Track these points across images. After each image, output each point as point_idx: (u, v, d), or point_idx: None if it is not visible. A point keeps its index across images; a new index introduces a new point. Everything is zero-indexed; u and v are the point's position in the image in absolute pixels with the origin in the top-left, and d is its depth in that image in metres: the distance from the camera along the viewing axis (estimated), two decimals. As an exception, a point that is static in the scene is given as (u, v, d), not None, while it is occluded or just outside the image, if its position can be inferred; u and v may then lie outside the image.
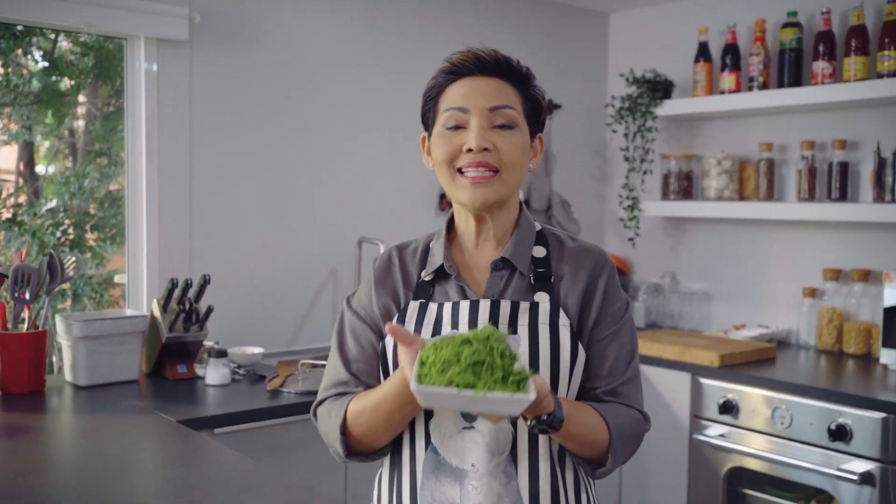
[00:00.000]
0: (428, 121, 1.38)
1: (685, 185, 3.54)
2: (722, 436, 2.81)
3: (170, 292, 2.57)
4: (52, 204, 2.84)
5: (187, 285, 2.57)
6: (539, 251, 1.38)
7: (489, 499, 1.27)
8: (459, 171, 1.31)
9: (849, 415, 2.50)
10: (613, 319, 1.35)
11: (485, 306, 1.32)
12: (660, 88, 3.52)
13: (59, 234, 2.82)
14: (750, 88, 3.27)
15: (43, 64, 2.85)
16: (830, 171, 3.11)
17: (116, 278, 2.89)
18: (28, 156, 2.86)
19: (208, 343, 2.71)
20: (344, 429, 1.32)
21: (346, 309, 1.43)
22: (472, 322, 1.31)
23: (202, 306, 2.62)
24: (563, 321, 1.32)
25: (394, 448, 1.38)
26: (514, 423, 1.29)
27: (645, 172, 3.59)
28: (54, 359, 2.69)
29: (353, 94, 3.14)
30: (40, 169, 2.90)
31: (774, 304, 3.38)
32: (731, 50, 3.33)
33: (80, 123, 2.96)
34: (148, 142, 2.73)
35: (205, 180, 2.84)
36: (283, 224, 3.01)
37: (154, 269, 2.75)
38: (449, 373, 1.09)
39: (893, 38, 2.88)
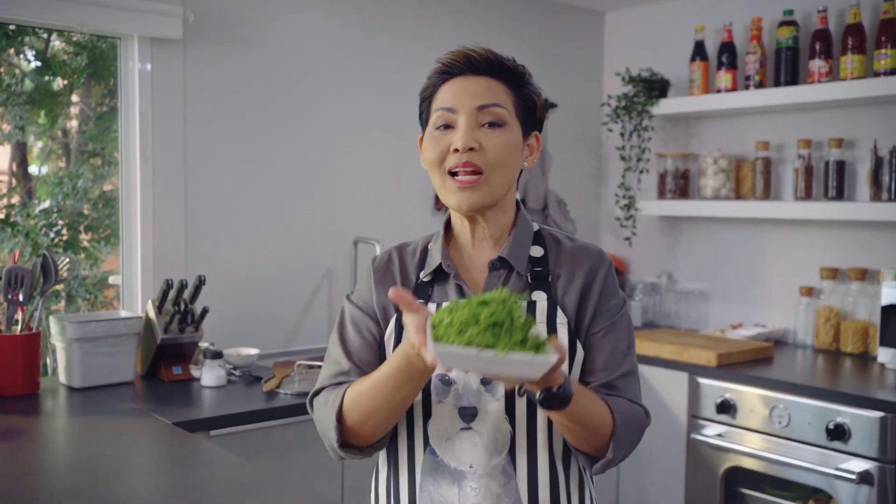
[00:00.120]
0: (423, 121, 1.38)
1: (682, 185, 3.53)
2: (719, 435, 2.81)
3: (165, 293, 2.56)
4: (46, 205, 2.82)
5: (182, 286, 2.55)
6: (536, 251, 1.38)
7: (488, 499, 1.27)
8: (450, 174, 1.31)
9: (847, 414, 2.50)
10: (609, 314, 1.34)
11: None
12: (656, 87, 3.52)
13: (52, 234, 2.80)
14: (746, 87, 3.27)
15: (35, 63, 2.83)
16: (827, 169, 3.10)
17: (111, 279, 2.88)
18: (21, 156, 2.84)
19: (204, 344, 2.70)
20: (340, 415, 1.29)
21: (346, 303, 1.42)
22: None
23: (197, 307, 2.61)
24: (561, 319, 1.31)
25: (391, 450, 1.37)
26: (511, 420, 1.28)
27: (641, 171, 3.58)
28: (48, 360, 2.68)
29: (348, 93, 3.13)
30: (33, 169, 2.88)
31: (771, 303, 3.37)
32: (728, 48, 3.33)
33: (73, 123, 2.94)
34: (142, 142, 2.71)
35: (200, 180, 2.82)
36: (278, 224, 2.99)
37: (149, 269, 2.74)
38: (468, 333, 1.06)
39: (890, 37, 2.88)
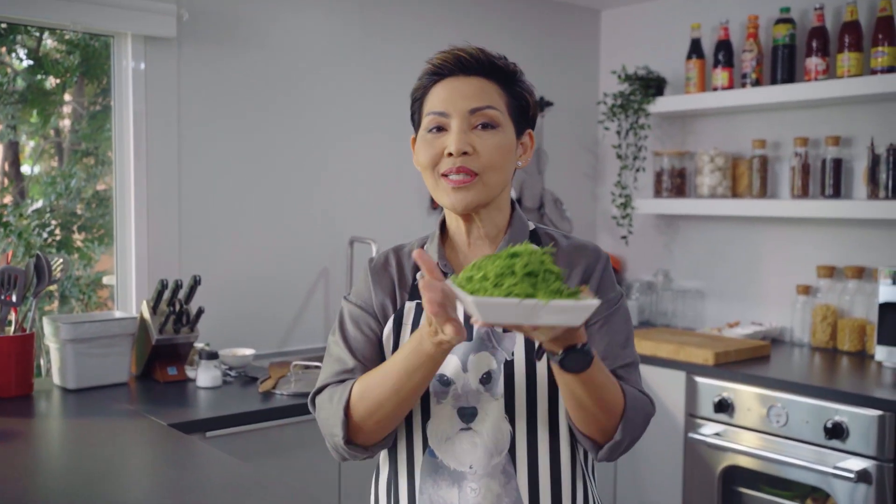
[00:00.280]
0: (415, 122, 1.38)
1: (678, 183, 3.52)
2: (717, 434, 2.80)
3: (159, 293, 2.54)
4: (39, 204, 2.80)
5: (177, 286, 2.54)
6: None
7: (488, 500, 1.26)
8: (443, 175, 1.30)
9: (845, 413, 2.50)
10: (607, 306, 1.33)
11: None
12: (652, 85, 3.51)
13: (45, 234, 2.78)
14: (743, 85, 3.26)
15: (28, 62, 2.81)
16: (824, 167, 3.10)
17: (105, 279, 2.86)
18: (13, 156, 2.82)
19: (199, 345, 2.69)
20: (347, 409, 1.27)
21: (344, 303, 1.41)
22: (467, 322, 1.29)
23: (192, 307, 2.59)
24: None
25: (391, 452, 1.36)
26: (511, 419, 1.27)
27: (638, 170, 3.58)
28: (42, 361, 2.66)
29: (344, 93, 3.12)
30: (25, 169, 2.86)
31: (768, 301, 3.37)
32: (724, 46, 3.32)
33: (65, 123, 2.92)
34: (136, 141, 2.69)
35: (194, 180, 2.80)
36: (274, 224, 2.98)
37: (143, 269, 2.72)
38: (505, 285, 1.04)
39: (887, 34, 2.88)
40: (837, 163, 3.07)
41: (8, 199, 2.78)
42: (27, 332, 2.35)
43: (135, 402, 2.32)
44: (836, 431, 2.50)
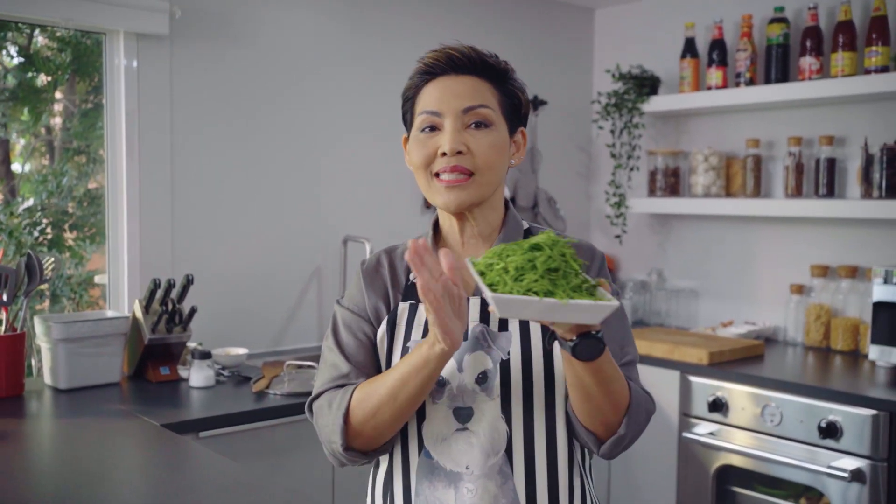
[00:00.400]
0: (407, 122, 1.37)
1: (672, 182, 3.52)
2: (711, 434, 2.80)
3: (152, 293, 2.52)
4: (30, 203, 2.78)
5: (170, 285, 2.52)
6: None
7: (485, 500, 1.25)
8: (436, 175, 1.30)
9: (839, 412, 2.50)
10: None
11: (474, 304, 1.31)
12: (646, 84, 3.51)
13: (36, 233, 2.76)
14: (737, 84, 3.26)
15: (18, 59, 2.78)
16: (818, 167, 3.10)
17: (96, 278, 2.84)
18: (4, 154, 2.79)
19: (192, 344, 2.67)
20: (347, 417, 1.26)
21: (337, 308, 1.41)
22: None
23: (185, 307, 2.58)
24: None
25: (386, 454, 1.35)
26: (508, 419, 1.26)
27: (632, 169, 3.57)
28: (33, 361, 2.64)
29: (337, 91, 3.10)
30: (16, 167, 2.84)
31: (762, 300, 3.37)
32: (718, 45, 3.32)
33: (57, 121, 2.90)
34: (128, 139, 2.68)
35: (187, 178, 2.79)
36: (267, 222, 2.96)
37: (135, 268, 2.70)
38: (526, 280, 1.03)
39: (881, 34, 2.88)
40: (831, 162, 3.07)
41: (-2, 198, 2.76)
42: (18, 331, 2.34)
43: (127, 402, 2.31)
44: (830, 431, 2.50)
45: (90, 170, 2.83)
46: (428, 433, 1.28)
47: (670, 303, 3.58)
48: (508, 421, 1.27)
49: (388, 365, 1.33)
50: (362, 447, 1.29)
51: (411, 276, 1.37)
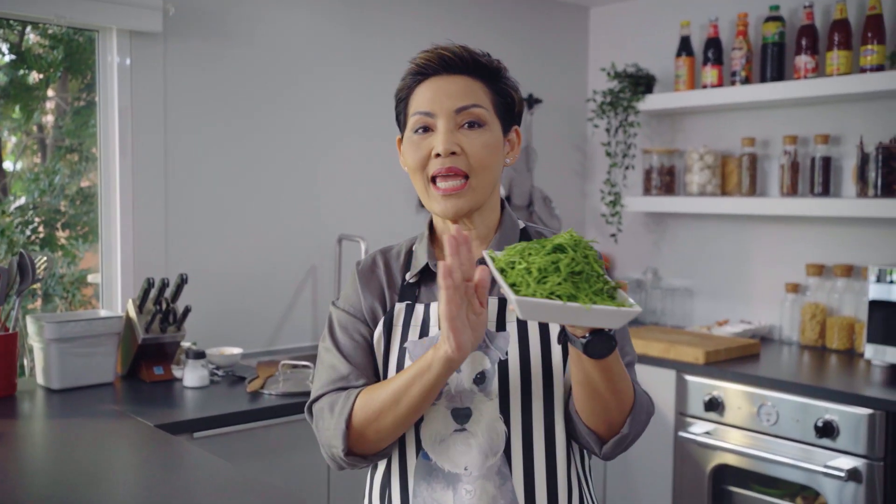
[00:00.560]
0: (400, 123, 1.37)
1: (667, 181, 3.52)
2: (707, 433, 2.80)
3: (146, 292, 2.51)
4: (21, 201, 2.76)
5: (164, 285, 2.50)
6: None
7: (483, 501, 1.24)
8: (432, 180, 1.29)
9: (835, 411, 2.50)
10: None
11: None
12: (641, 83, 3.50)
13: (28, 232, 2.74)
14: (732, 83, 3.26)
15: (10, 57, 2.76)
16: (813, 165, 3.10)
17: (89, 277, 2.82)
18: (-4, 152, 2.77)
19: (186, 344, 2.66)
20: (349, 421, 1.25)
21: (333, 310, 1.40)
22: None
23: (179, 306, 2.56)
24: None
25: (384, 456, 1.34)
26: (506, 420, 1.25)
27: (627, 168, 3.57)
28: (25, 361, 2.62)
29: (332, 89, 3.09)
30: (8, 165, 2.82)
31: (757, 299, 3.37)
32: (714, 44, 3.32)
33: (49, 118, 2.88)
34: (121, 137, 2.66)
35: (181, 176, 2.77)
36: (261, 221, 2.95)
37: (129, 267, 2.69)
38: (549, 282, 1.03)
39: (876, 33, 2.88)
40: (827, 161, 3.07)
41: (-10, 196, 2.74)
42: (10, 331, 2.32)
43: (120, 402, 2.29)
44: (827, 430, 2.50)
45: (82, 168, 2.81)
46: (426, 434, 1.27)
47: (665, 301, 3.58)
48: (507, 421, 1.26)
49: (385, 366, 1.32)
50: (363, 452, 1.28)
51: (407, 276, 1.36)
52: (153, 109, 2.70)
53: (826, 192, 3.07)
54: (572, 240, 1.09)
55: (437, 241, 1.39)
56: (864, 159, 2.94)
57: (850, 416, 2.47)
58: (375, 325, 1.35)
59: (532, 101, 3.60)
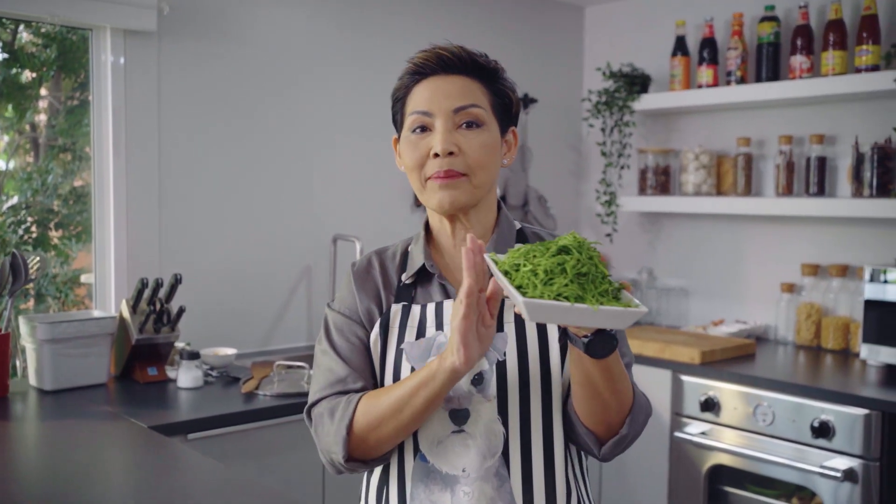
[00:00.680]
0: (397, 123, 1.36)
1: (662, 180, 3.52)
2: (703, 433, 2.80)
3: (139, 292, 2.49)
4: (14, 201, 2.74)
5: (157, 285, 2.49)
6: None
7: (481, 503, 1.23)
8: (429, 179, 1.29)
9: (831, 411, 2.49)
10: None
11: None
12: (637, 82, 3.50)
13: (21, 232, 2.72)
14: (728, 83, 3.26)
15: (3, 55, 2.74)
16: (808, 165, 3.10)
17: (83, 278, 2.80)
18: (-12, 151, 2.76)
19: (180, 344, 2.64)
20: (350, 428, 1.24)
21: (328, 312, 1.38)
22: None
23: (173, 306, 2.55)
24: None
25: (382, 458, 1.33)
26: (504, 421, 1.25)
27: (622, 167, 3.57)
28: (18, 362, 2.60)
29: (327, 89, 3.08)
30: (0, 164, 2.80)
31: (752, 299, 3.37)
32: (709, 44, 3.32)
33: (42, 117, 2.86)
34: (115, 136, 2.64)
35: (175, 176, 2.75)
36: (256, 221, 2.94)
37: (122, 267, 2.67)
38: (556, 284, 1.03)
39: (871, 33, 2.88)
40: (822, 161, 3.07)
41: (-18, 196, 2.72)
42: (2, 331, 2.30)
43: (114, 403, 2.27)
44: (823, 430, 2.50)
45: (76, 167, 2.80)
46: (423, 436, 1.26)
47: (661, 301, 3.58)
48: (505, 423, 1.25)
49: (382, 368, 1.31)
50: (362, 457, 1.27)
51: (403, 277, 1.35)
52: (147, 109, 2.68)
53: (821, 192, 3.07)
54: (576, 241, 1.09)
55: (434, 242, 1.38)
56: (859, 159, 2.94)
57: (846, 417, 2.47)
58: (372, 327, 1.34)
59: (527, 101, 3.59)
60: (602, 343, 1.09)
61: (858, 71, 2.91)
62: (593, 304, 1.01)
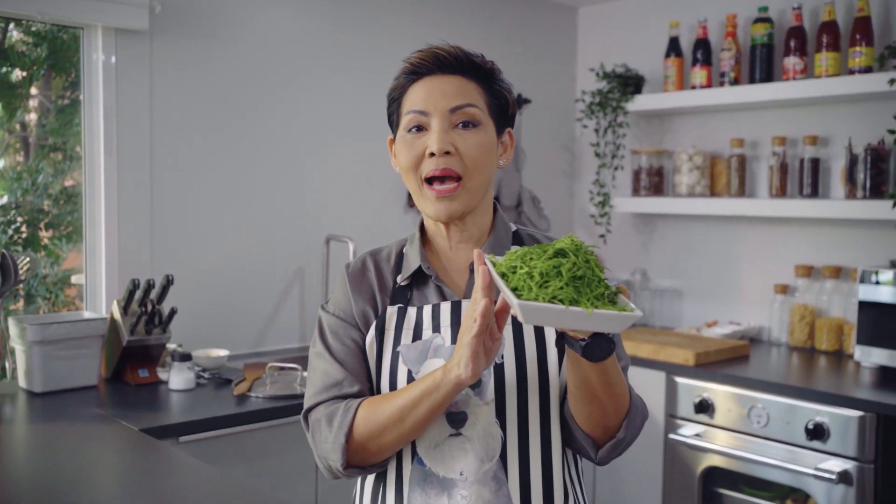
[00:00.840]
0: (392, 123, 1.35)
1: (656, 181, 3.51)
2: (697, 435, 2.79)
3: (131, 293, 2.47)
4: (3, 201, 2.72)
5: (149, 286, 2.47)
6: None
7: (479, 506, 1.22)
8: (427, 181, 1.28)
9: (825, 413, 2.49)
10: None
11: (466, 307, 1.27)
12: (630, 83, 3.50)
13: (10, 232, 2.70)
14: (721, 84, 3.26)
15: (-7, 54, 2.72)
16: (802, 167, 3.10)
17: (73, 278, 2.78)
18: (-23, 150, 2.73)
19: (171, 346, 2.62)
20: (349, 435, 1.23)
21: (323, 314, 1.37)
22: (455, 324, 1.28)
23: (165, 308, 2.53)
24: None
25: (379, 462, 1.31)
26: (502, 424, 1.24)
27: (616, 168, 3.56)
28: (7, 363, 2.57)
29: (321, 89, 3.06)
30: (-10, 164, 2.77)
31: (746, 300, 3.37)
32: (703, 45, 3.32)
33: (32, 117, 2.84)
34: (106, 136, 2.62)
35: (166, 176, 2.73)
36: (248, 221, 2.92)
37: (113, 268, 2.65)
38: (551, 287, 1.03)
39: (864, 34, 2.88)
40: (815, 162, 3.08)
41: (-29, 196, 2.70)
42: (-8, 333, 2.28)
43: (105, 405, 2.25)
44: (817, 432, 2.50)
45: (66, 167, 2.77)
46: (420, 440, 1.25)
47: (654, 303, 3.58)
48: (503, 426, 1.24)
49: (378, 370, 1.30)
50: (361, 464, 1.26)
51: (399, 279, 1.34)
52: (139, 108, 2.66)
53: (815, 193, 3.08)
54: (573, 244, 1.09)
55: (429, 244, 1.37)
56: (852, 161, 2.94)
57: (841, 419, 2.46)
58: (367, 329, 1.33)
59: (521, 101, 3.58)
60: (599, 346, 1.09)
61: (852, 72, 2.91)
62: (588, 308, 1.01)
